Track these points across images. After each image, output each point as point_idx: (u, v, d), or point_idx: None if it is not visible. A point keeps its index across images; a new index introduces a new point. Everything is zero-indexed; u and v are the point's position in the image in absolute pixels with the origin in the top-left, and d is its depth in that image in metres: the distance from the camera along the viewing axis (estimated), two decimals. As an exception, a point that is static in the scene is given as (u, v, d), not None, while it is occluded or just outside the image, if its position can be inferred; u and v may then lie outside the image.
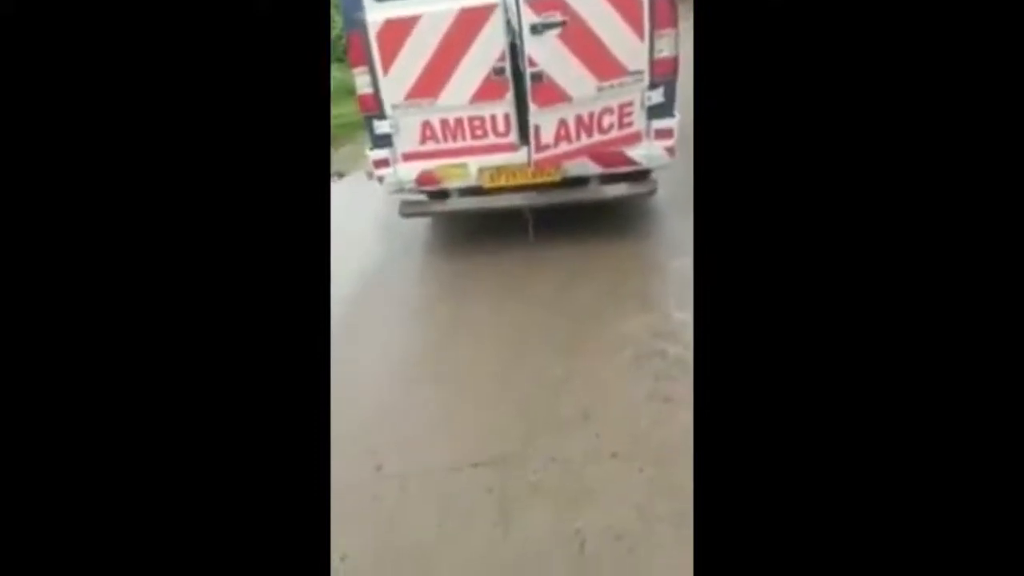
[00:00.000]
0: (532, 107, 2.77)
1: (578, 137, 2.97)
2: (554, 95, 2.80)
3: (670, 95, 2.99)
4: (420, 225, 3.91)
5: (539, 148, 2.91)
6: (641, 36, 2.83)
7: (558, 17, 2.67)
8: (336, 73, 7.25)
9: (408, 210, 3.45)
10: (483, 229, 3.67)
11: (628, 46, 2.83)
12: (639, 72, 2.90)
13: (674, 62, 2.93)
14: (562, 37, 2.71)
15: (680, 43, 2.91)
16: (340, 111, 6.01)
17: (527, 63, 2.69)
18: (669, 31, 2.86)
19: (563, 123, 2.91)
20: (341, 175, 4.91)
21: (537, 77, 2.72)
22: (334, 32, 7.69)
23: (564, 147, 2.97)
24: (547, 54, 2.71)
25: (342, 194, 4.67)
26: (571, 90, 2.83)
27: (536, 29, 2.64)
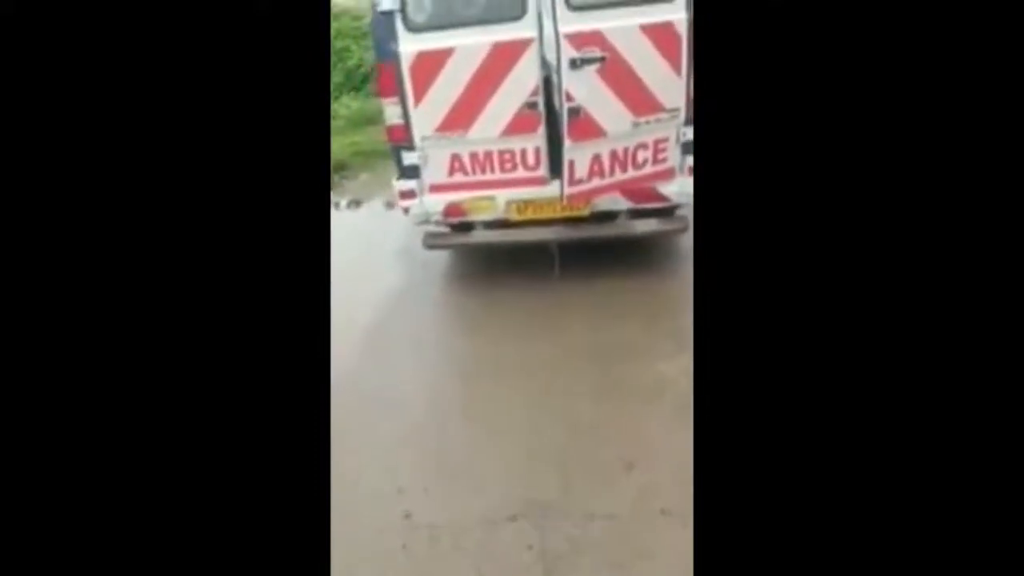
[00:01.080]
0: (567, 141, 2.72)
1: (612, 172, 2.92)
2: (590, 130, 2.76)
3: (705, 132, 2.94)
4: (439, 256, 3.83)
5: (572, 182, 2.85)
6: (679, 73, 2.80)
7: (597, 53, 2.64)
8: (353, 102, 7.30)
9: (432, 242, 3.38)
10: (506, 263, 3.59)
11: (666, 83, 2.80)
12: (676, 109, 2.87)
13: (710, 100, 2.89)
14: (600, 72, 2.68)
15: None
16: (357, 139, 6.01)
17: (564, 98, 2.65)
18: (706, 69, 2.82)
19: (597, 158, 2.86)
20: (359, 203, 4.86)
21: (574, 112, 2.68)
22: (351, 62, 7.79)
23: (597, 182, 2.92)
24: (585, 89, 2.67)
25: (360, 223, 4.61)
26: (607, 125, 2.78)
27: (575, 64, 2.61)
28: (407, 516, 2.00)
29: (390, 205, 4.59)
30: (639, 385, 2.48)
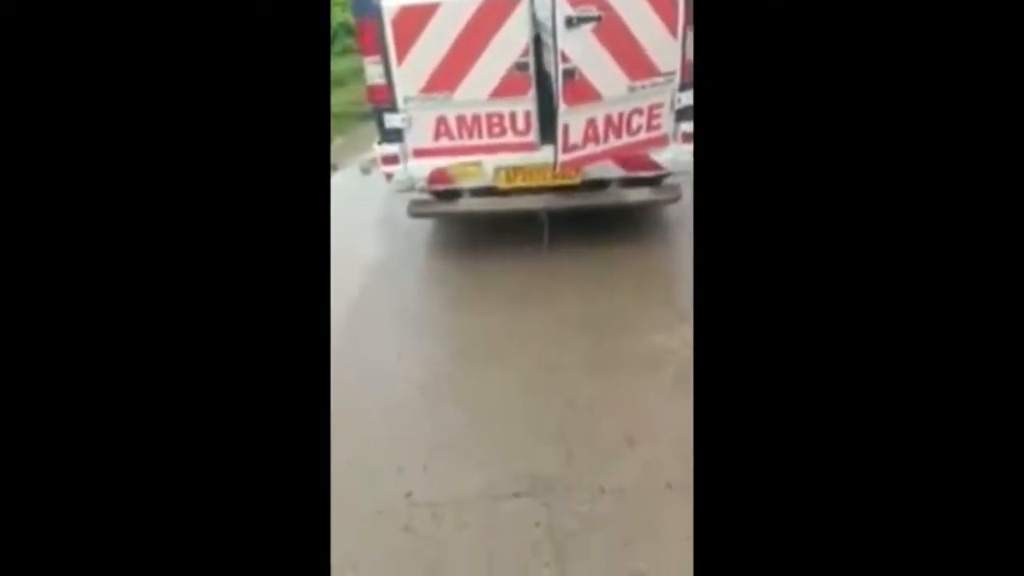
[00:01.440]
0: (562, 105, 2.61)
1: (607, 138, 2.82)
2: (586, 93, 2.65)
3: (700, 98, 2.87)
4: (422, 225, 3.70)
5: (567, 149, 2.75)
6: (675, 35, 2.70)
7: (594, 11, 2.51)
8: (320, 61, 6.92)
9: (417, 210, 3.25)
10: (492, 231, 3.49)
11: (662, 45, 2.70)
12: (671, 73, 2.78)
13: (706, 64, 2.81)
14: (597, 32, 2.56)
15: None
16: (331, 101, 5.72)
17: (560, 58, 2.52)
18: (703, 30, 2.74)
19: (592, 123, 2.76)
20: (335, 168, 4.65)
21: (569, 74, 2.56)
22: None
23: (592, 148, 2.82)
24: (581, 50, 2.55)
25: (336, 189, 4.41)
26: (603, 88, 2.68)
27: (571, 22, 2.48)
28: (408, 495, 1.94)
29: (367, 171, 4.40)
30: (635, 356, 2.46)
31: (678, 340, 2.45)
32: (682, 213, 3.34)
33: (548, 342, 2.62)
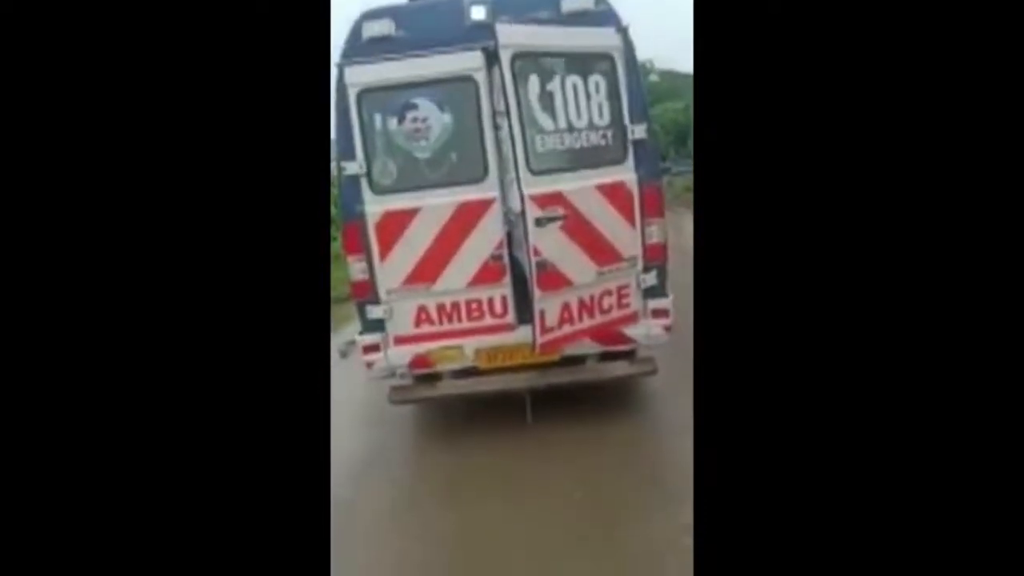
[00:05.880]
0: (537, 292, 2.78)
1: (580, 319, 2.98)
2: (558, 281, 2.85)
3: (662, 277, 3.13)
4: (403, 408, 3.65)
5: (544, 331, 2.87)
6: (633, 225, 3.02)
7: (560, 211, 2.80)
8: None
9: (398, 396, 3.24)
10: (477, 411, 3.46)
11: (623, 235, 2.99)
12: (633, 257, 3.04)
13: (663, 247, 3.11)
14: (564, 228, 2.83)
15: (667, 231, 3.13)
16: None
17: (532, 252, 2.74)
18: (658, 220, 3.07)
19: (566, 306, 2.93)
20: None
21: (542, 265, 2.77)
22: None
23: (568, 328, 2.96)
24: (550, 244, 2.79)
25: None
26: (573, 276, 2.89)
27: (540, 222, 2.75)
28: None
29: (344, 354, 4.44)
30: (648, 545, 2.34)
31: (678, 527, 2.37)
32: (659, 385, 3.43)
33: (548, 531, 2.49)
